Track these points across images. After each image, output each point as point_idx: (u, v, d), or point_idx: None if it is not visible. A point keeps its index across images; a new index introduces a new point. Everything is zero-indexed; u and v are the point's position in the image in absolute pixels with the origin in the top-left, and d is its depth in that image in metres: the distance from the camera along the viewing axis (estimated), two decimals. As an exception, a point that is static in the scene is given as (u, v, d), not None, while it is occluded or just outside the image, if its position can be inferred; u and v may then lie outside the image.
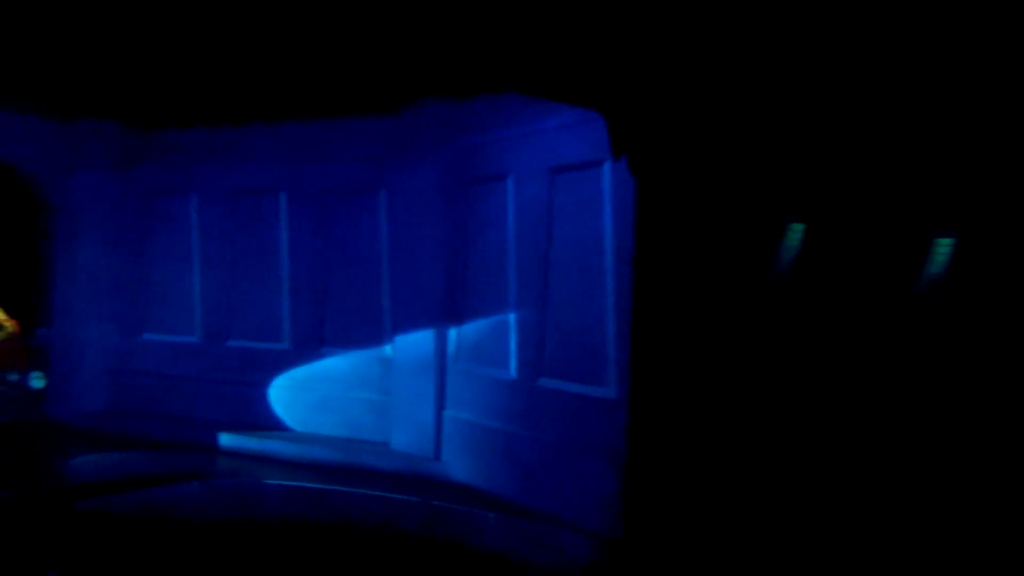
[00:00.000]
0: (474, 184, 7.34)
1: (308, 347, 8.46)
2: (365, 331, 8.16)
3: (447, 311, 7.42)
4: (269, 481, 7.01)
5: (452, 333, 7.38)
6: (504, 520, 6.10)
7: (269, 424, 8.55)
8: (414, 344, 7.55)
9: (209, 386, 8.94)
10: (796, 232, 4.39)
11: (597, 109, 5.30)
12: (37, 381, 8.02)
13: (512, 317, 6.78)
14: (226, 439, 8.26)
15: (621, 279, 5.69)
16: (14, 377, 7.82)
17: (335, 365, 8.30)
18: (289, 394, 8.53)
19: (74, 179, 9.15)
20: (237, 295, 8.90)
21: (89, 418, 9.05)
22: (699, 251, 4.75)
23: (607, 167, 5.95)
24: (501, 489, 6.61)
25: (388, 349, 7.99)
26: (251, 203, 8.84)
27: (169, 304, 9.28)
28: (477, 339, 7.15)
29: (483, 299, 7.13)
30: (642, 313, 5.00)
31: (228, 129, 8.83)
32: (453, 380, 7.33)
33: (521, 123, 6.66)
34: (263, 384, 8.62)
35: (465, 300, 7.32)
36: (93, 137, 9.25)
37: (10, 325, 8.21)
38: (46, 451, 8.06)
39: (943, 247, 3.92)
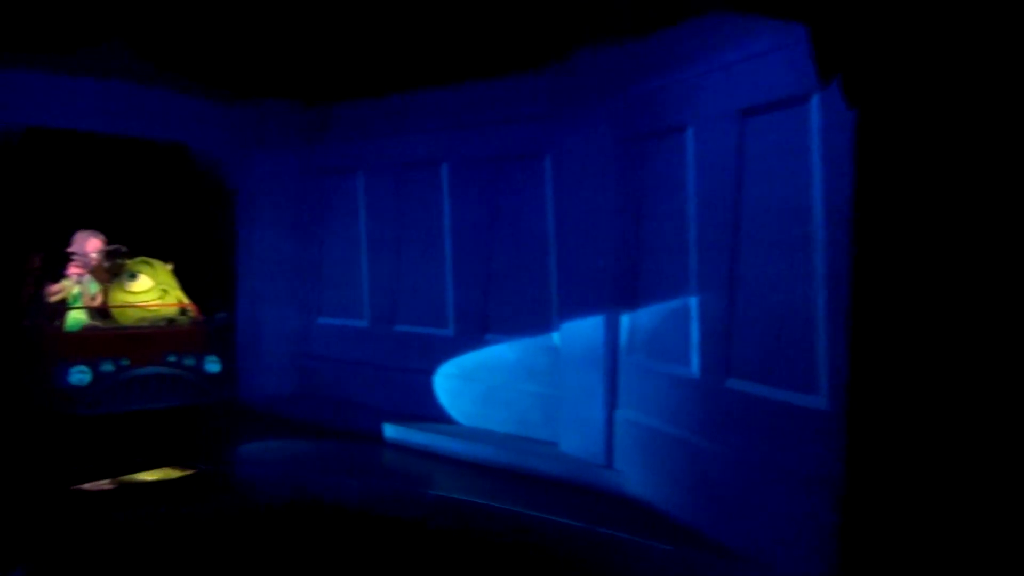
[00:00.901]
0: (648, 139, 6.09)
1: (472, 334, 7.70)
2: (530, 316, 7.24)
3: (619, 293, 6.28)
4: (434, 492, 6.39)
5: (625, 320, 6.23)
6: (682, 557, 4.91)
7: (435, 415, 7.94)
8: (582, 332, 6.49)
9: (377, 372, 8.52)
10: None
11: (799, 19, 3.90)
12: (212, 365, 7.97)
13: (693, 302, 5.49)
14: (391, 431, 7.76)
15: (835, 252, 4.24)
16: (191, 361, 7.79)
17: (501, 354, 7.47)
18: (454, 384, 7.85)
19: (253, 161, 9.10)
20: (402, 277, 8.37)
21: (272, 402, 9.02)
22: (944, 211, 3.25)
23: (815, 102, 4.48)
24: (682, 512, 5.39)
25: (555, 337, 7.01)
26: (413, 177, 8.23)
27: (340, 287, 8.99)
28: (653, 328, 5.93)
29: (660, 279, 5.90)
30: (864, 296, 3.59)
31: (393, 99, 8.29)
32: (626, 375, 6.19)
33: (702, 58, 5.32)
34: (428, 372, 8.02)
35: (639, 280, 6.13)
36: (271, 117, 9.14)
37: (192, 311, 8.21)
38: (225, 434, 8.05)
39: None
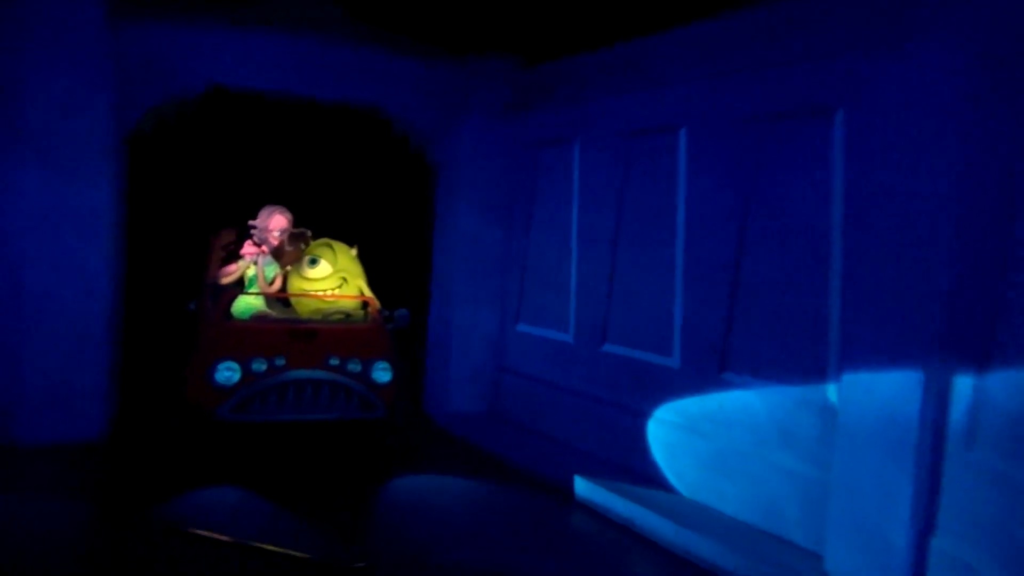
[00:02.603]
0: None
1: (705, 368, 5.39)
2: (795, 354, 4.77)
3: (957, 343, 3.64)
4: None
5: (963, 389, 3.58)
6: None
7: (646, 472, 5.77)
8: (881, 394, 3.93)
9: (579, 401, 6.54)
10: None
11: None
12: (382, 373, 6.53)
13: None
14: (584, 488, 5.74)
15: None
16: (355, 367, 6.41)
17: (743, 403, 5.09)
18: (675, 435, 5.60)
19: (459, 131, 7.56)
20: (618, 281, 6.27)
21: (459, 422, 7.46)
22: None
23: None
24: None
25: (832, 392, 4.49)
26: (639, 149, 6.08)
27: (544, 288, 7.13)
28: (1021, 413, 3.26)
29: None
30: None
31: (619, 48, 6.24)
32: (957, 482, 3.55)
33: None
34: (642, 412, 5.85)
35: (1001, 327, 3.45)
36: (482, 78, 7.54)
37: (372, 305, 6.84)
38: (386, 465, 6.59)
39: None
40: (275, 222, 7.00)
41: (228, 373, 6.14)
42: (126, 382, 7.19)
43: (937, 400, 3.72)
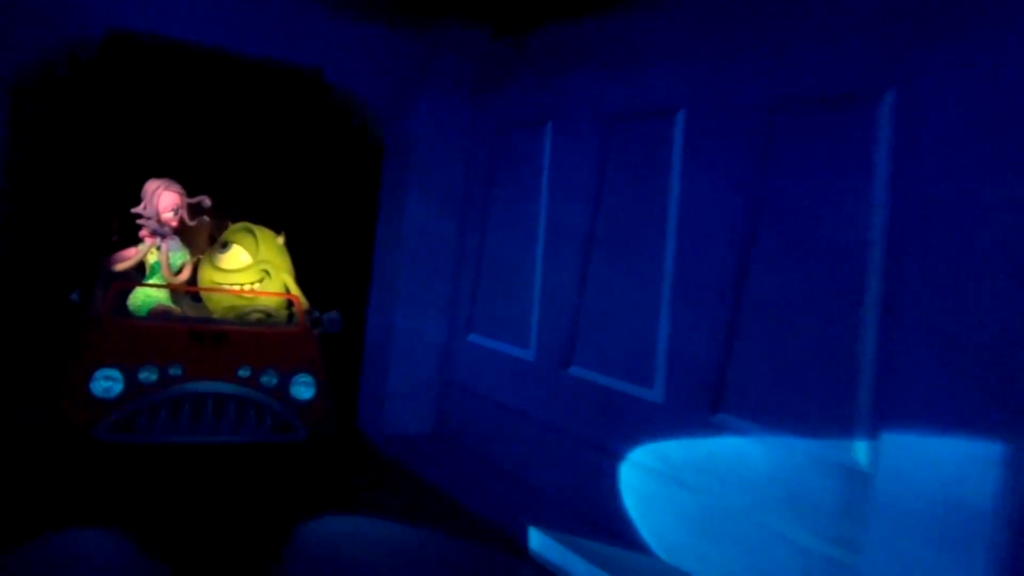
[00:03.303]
0: None
1: (693, 406, 4.42)
2: (808, 397, 3.82)
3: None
4: None
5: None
6: None
7: (615, 526, 4.79)
8: (939, 465, 3.00)
9: (536, 430, 5.53)
10: None
11: None
12: (304, 388, 5.44)
13: None
14: (538, 541, 4.73)
15: None
16: (271, 379, 5.30)
17: (740, 453, 4.13)
18: (653, 484, 4.61)
19: (411, 108, 6.46)
20: (591, 291, 5.27)
21: (398, 444, 6.39)
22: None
23: None
24: None
25: (861, 452, 3.55)
26: (627, 136, 5.08)
27: (502, 294, 6.10)
28: None
29: None
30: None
31: (604, 18, 5.24)
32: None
33: None
34: (614, 451, 4.86)
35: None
36: (441, 49, 6.44)
37: (297, 305, 5.73)
38: (302, 504, 5.50)
39: None
40: (165, 202, 5.78)
41: (108, 383, 4.98)
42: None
43: (1014, 476, 2.80)
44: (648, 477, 4.65)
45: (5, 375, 6.00)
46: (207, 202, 5.88)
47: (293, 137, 6.89)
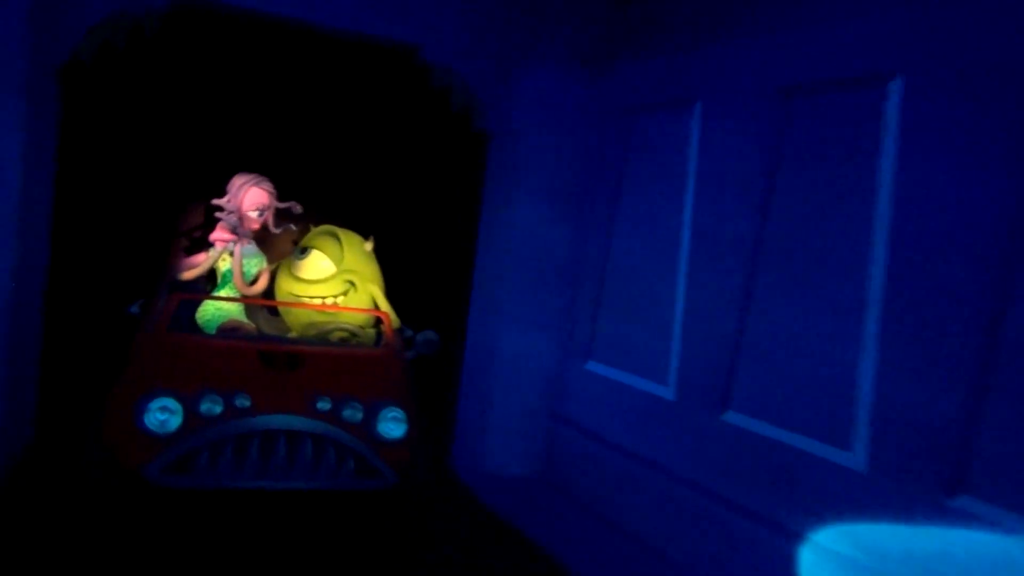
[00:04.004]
0: None
1: (915, 478, 3.21)
2: None
3: None
4: None
5: None
6: None
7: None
8: None
9: (677, 489, 4.39)
10: None
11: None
12: (394, 425, 4.47)
13: None
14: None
15: None
16: (354, 413, 4.37)
17: (991, 547, 2.90)
18: (852, 578, 3.42)
19: (519, 88, 5.44)
20: (756, 314, 4.10)
21: (500, 490, 5.36)
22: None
23: None
24: None
25: None
26: (814, 113, 3.89)
27: (630, 314, 4.98)
28: None
29: None
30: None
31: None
32: None
33: None
34: (794, 530, 3.68)
35: None
36: (552, 17, 5.40)
37: (388, 325, 4.79)
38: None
39: None
40: (251, 198, 5.01)
41: (163, 415, 4.13)
42: (45, 406, 5.24)
43: None
44: (842, 568, 3.45)
45: (52, 403, 5.29)
46: (298, 208, 5.07)
47: (383, 125, 5.98)
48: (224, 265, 5.13)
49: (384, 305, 5.17)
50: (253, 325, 5.15)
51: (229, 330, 4.93)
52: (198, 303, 5.01)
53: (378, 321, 5.21)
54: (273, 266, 5.48)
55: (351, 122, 5.88)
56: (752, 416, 4.06)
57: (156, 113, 5.50)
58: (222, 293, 5.12)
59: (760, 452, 3.96)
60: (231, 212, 5.01)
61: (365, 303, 5.18)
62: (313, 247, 5.20)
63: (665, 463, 4.53)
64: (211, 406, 4.19)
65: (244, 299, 5.06)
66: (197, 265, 5.08)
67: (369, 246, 5.35)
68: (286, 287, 5.23)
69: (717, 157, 4.39)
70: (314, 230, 5.38)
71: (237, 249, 5.08)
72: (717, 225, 4.34)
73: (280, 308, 5.30)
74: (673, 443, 4.51)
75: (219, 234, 5.09)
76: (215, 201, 5.02)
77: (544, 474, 5.52)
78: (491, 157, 5.68)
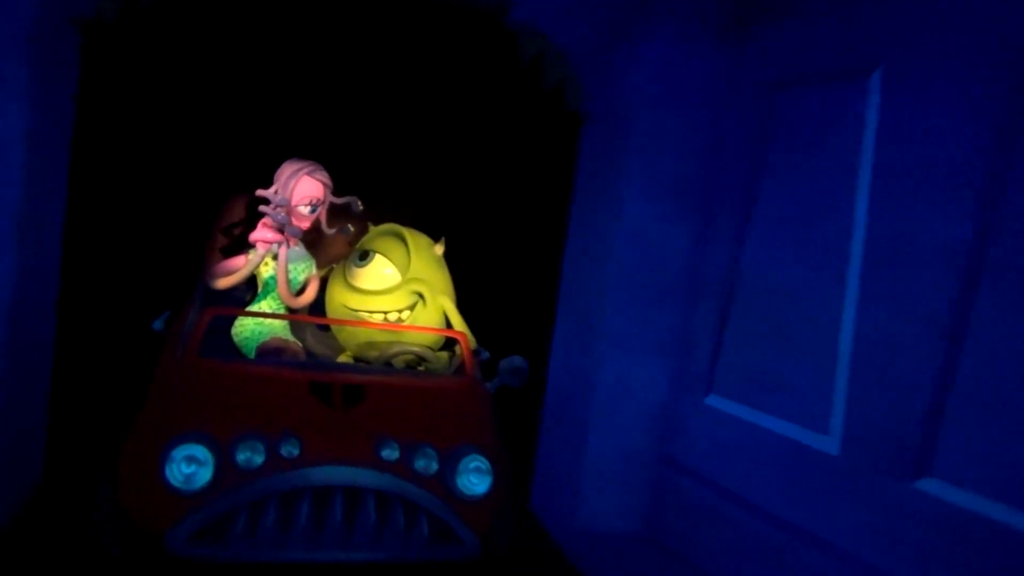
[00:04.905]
0: None
1: None
2: None
3: None
4: None
5: None
6: None
7: None
8: None
9: (842, 572, 3.39)
10: None
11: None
12: (477, 478, 3.53)
13: None
14: None
15: None
16: (428, 463, 3.44)
17: None
18: None
19: (628, 61, 4.44)
20: (972, 348, 3.07)
21: (596, 551, 4.37)
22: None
23: None
24: None
25: None
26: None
27: (771, 338, 3.97)
28: None
29: None
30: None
31: None
32: None
33: None
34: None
35: None
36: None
37: (465, 347, 3.83)
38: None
39: None
40: (303, 189, 4.14)
41: (190, 467, 3.23)
42: (57, 437, 4.39)
43: None
44: None
45: (61, 445, 4.44)
46: (358, 205, 4.20)
47: (459, 103, 5.04)
48: (267, 271, 4.24)
49: (458, 323, 4.24)
50: (300, 344, 4.26)
51: (271, 351, 4.04)
52: (225, 315, 4.13)
53: (452, 343, 4.28)
54: (323, 271, 4.59)
55: (420, 101, 4.96)
56: (960, 487, 3.04)
57: (189, 87, 4.62)
58: (263, 304, 4.23)
59: (974, 537, 2.94)
60: (280, 206, 4.12)
61: (435, 319, 4.26)
62: (374, 250, 4.27)
63: (823, 536, 3.52)
64: (251, 455, 3.28)
65: (296, 315, 4.17)
66: (236, 270, 4.19)
67: (440, 249, 4.42)
68: (339, 299, 4.31)
69: (906, 142, 3.35)
70: (374, 230, 4.46)
71: (283, 252, 4.19)
72: (907, 230, 3.31)
73: (332, 324, 4.39)
74: (835, 511, 3.50)
75: (262, 233, 4.21)
76: (261, 192, 4.13)
77: (652, 531, 4.54)
78: (585, 144, 4.71)
